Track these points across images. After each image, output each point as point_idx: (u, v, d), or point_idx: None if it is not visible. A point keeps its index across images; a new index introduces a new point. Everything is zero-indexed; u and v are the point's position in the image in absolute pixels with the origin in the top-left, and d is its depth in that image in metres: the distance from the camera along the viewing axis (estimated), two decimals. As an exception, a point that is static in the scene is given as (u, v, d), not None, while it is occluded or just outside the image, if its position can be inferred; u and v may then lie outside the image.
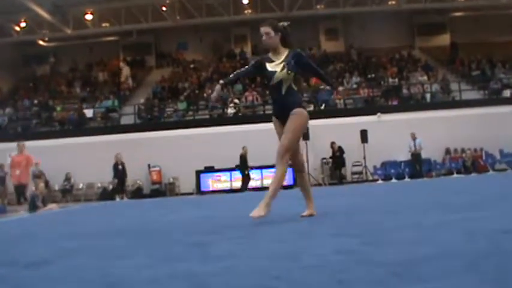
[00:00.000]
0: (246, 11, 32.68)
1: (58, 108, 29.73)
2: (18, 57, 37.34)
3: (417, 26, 35.07)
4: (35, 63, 37.58)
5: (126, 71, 33.60)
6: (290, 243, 3.99)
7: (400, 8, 31.57)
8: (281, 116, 6.07)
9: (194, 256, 3.57)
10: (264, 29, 6.14)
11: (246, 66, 6.72)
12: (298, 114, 5.95)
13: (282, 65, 6.05)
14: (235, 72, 6.61)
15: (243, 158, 22.87)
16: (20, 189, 17.30)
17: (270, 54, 6.26)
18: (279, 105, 6.14)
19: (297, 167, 6.48)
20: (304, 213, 6.30)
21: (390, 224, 4.79)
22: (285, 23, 6.28)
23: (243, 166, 22.91)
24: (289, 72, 5.99)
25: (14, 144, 24.11)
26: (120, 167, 23.43)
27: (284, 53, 6.14)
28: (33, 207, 17.00)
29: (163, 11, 32.20)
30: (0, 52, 34.28)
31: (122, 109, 29.38)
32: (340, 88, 27.24)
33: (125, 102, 30.17)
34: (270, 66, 6.12)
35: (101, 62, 36.95)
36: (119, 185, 23.55)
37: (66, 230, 7.30)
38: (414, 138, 23.09)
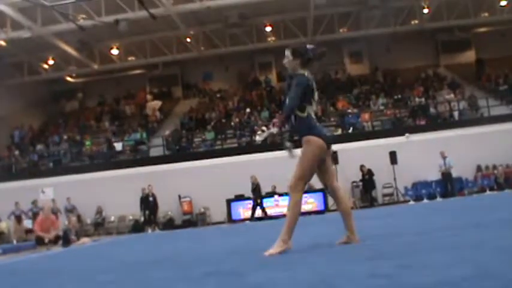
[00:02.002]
0: (269, 39, 32.85)
1: (87, 143, 30.05)
2: (47, 94, 37.95)
3: (441, 43, 34.91)
4: (63, 99, 38.17)
5: (154, 104, 33.87)
6: (325, 268, 3.98)
7: (423, 26, 31.50)
8: (300, 144, 6.01)
9: (233, 286, 3.58)
10: (286, 52, 6.14)
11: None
12: (305, 142, 5.85)
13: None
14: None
15: (257, 186, 23.07)
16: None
17: None
18: (295, 134, 6.15)
19: (331, 193, 6.38)
20: (342, 240, 6.04)
21: (425, 246, 4.75)
22: (310, 46, 6.24)
23: (256, 195, 23.11)
24: None
25: (46, 180, 24.60)
26: (151, 198, 23.55)
27: None
28: (66, 242, 17.15)
29: (187, 42, 32.52)
30: (30, 90, 34.93)
31: (150, 141, 29.58)
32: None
33: (153, 134, 30.39)
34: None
35: (128, 95, 37.36)
36: (150, 217, 23.65)
37: (101, 264, 7.35)
38: (444, 157, 22.85)
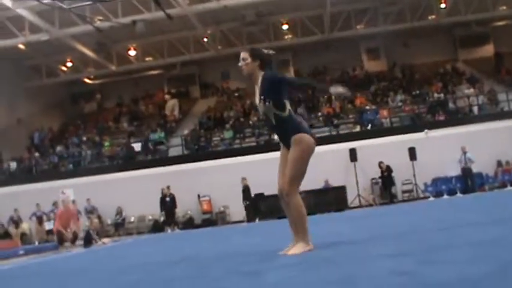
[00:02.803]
0: (286, 37, 32.82)
1: (106, 144, 30.21)
2: (66, 96, 38.25)
3: (459, 38, 34.64)
4: (82, 100, 38.44)
5: (172, 103, 33.98)
6: (344, 266, 3.97)
7: (441, 21, 31.28)
8: (285, 144, 5.66)
9: (252, 285, 3.59)
10: (242, 55, 5.80)
11: None
12: (296, 142, 5.47)
13: (259, 96, 5.70)
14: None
15: (246, 188, 23.38)
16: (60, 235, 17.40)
17: (253, 82, 5.87)
18: (277, 135, 5.85)
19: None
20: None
21: (445, 242, 4.73)
22: (270, 51, 5.93)
23: (246, 197, 23.41)
24: (267, 103, 5.57)
25: (65, 182, 24.78)
26: (167, 199, 23.65)
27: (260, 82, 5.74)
28: (88, 242, 17.25)
29: (204, 42, 32.58)
30: (49, 92, 35.22)
31: (169, 141, 29.67)
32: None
33: (171, 134, 30.48)
34: (256, 98, 5.82)
35: (146, 96, 37.52)
36: (169, 217, 23.75)
37: (122, 264, 7.38)
38: (465, 152, 22.70)
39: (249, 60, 5.72)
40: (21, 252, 17.37)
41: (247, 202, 23.51)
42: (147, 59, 34.16)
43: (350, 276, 3.38)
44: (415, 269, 3.29)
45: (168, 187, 23.78)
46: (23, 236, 24.63)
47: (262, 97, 5.61)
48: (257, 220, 22.93)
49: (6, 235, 24.31)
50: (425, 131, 24.69)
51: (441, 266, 3.34)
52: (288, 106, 5.59)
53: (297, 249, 5.37)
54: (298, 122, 5.74)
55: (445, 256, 3.80)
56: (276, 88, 5.58)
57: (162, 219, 24.49)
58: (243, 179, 23.41)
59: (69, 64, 33.88)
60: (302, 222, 5.51)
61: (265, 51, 5.91)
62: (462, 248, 4.17)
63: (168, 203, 23.62)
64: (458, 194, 22.99)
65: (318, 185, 23.15)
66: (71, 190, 25.12)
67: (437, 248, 4.35)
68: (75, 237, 17.39)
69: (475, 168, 23.08)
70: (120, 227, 25.69)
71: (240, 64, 5.80)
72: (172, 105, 33.83)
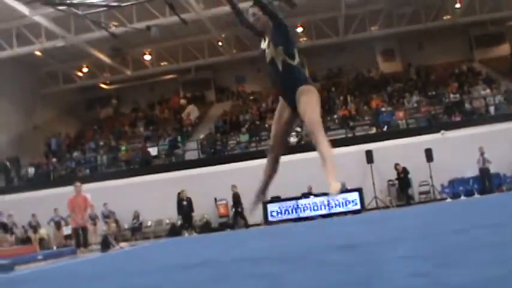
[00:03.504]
0: (301, 39, 32.85)
1: (123, 149, 30.35)
2: (82, 102, 38.54)
3: (475, 38, 34.48)
4: (98, 106, 38.69)
5: (190, 109, 34.08)
6: (362, 268, 3.96)
7: (456, 21, 31.15)
8: (287, 95, 5.58)
9: (270, 287, 3.59)
10: (251, 10, 5.72)
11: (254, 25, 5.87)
12: (307, 91, 5.43)
13: (268, 42, 5.64)
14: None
15: (235, 195, 23.71)
16: (82, 232, 17.22)
17: (265, 32, 5.77)
18: (281, 84, 5.63)
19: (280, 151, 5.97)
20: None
21: (463, 244, 4.71)
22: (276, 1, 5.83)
23: (235, 205, 23.81)
24: (276, 46, 5.49)
25: (83, 187, 24.88)
26: (184, 203, 23.72)
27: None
28: (106, 247, 17.33)
29: (219, 46, 32.67)
30: (66, 98, 35.52)
31: (185, 145, 29.76)
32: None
33: (187, 138, 30.57)
34: (262, 44, 5.77)
35: (162, 101, 37.68)
36: (186, 221, 23.81)
37: (140, 268, 7.41)
38: (482, 153, 22.56)
39: (260, 13, 5.61)
40: (39, 257, 17.48)
41: (234, 209, 23.94)
42: (162, 63, 34.34)
43: (367, 278, 3.38)
44: (432, 271, 3.28)
45: (183, 191, 23.83)
46: (41, 241, 24.79)
47: (272, 42, 5.53)
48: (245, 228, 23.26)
49: (27, 240, 24.50)
50: (442, 131, 24.59)
51: (459, 268, 3.33)
52: (297, 57, 5.51)
53: (336, 187, 5.24)
54: (307, 74, 5.69)
55: (463, 258, 3.78)
56: (285, 35, 5.51)
57: (179, 223, 24.54)
58: (233, 186, 23.74)
59: (85, 70, 34.19)
60: (333, 159, 5.37)
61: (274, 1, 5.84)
62: (480, 250, 4.15)
63: (185, 207, 23.68)
64: (476, 195, 22.85)
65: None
66: (88, 195, 25.23)
67: (455, 250, 4.34)
68: (84, 229, 17.30)
69: (492, 169, 22.93)
70: (137, 231, 25.77)
71: (252, 20, 5.73)
72: (189, 110, 33.92)
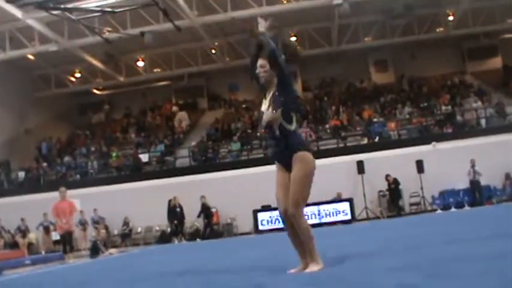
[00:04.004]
0: (294, 49, 32.88)
1: (114, 155, 30.25)
2: (74, 107, 38.40)
3: (467, 50, 34.55)
4: (90, 111, 38.56)
5: (181, 116, 34.05)
6: (352, 279, 3.96)
7: (449, 34, 31.26)
8: (282, 161, 5.41)
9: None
10: (260, 62, 5.50)
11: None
12: (300, 160, 5.24)
13: (268, 103, 5.40)
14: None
15: (203, 206, 23.94)
16: (68, 237, 16.59)
17: (268, 90, 5.54)
18: (277, 148, 5.44)
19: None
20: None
21: (453, 256, 4.71)
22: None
23: (204, 215, 23.97)
24: (274, 110, 5.29)
25: (73, 192, 24.78)
26: (178, 209, 23.67)
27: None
28: (95, 253, 17.27)
29: (212, 53, 32.67)
30: (58, 102, 35.40)
31: (176, 152, 29.69)
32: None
33: (179, 145, 30.51)
34: (263, 105, 5.52)
35: (154, 107, 37.61)
36: (177, 228, 23.74)
37: (128, 275, 7.38)
38: (473, 165, 22.64)
39: (268, 67, 5.44)
40: (27, 262, 17.41)
41: (205, 220, 24.06)
42: (155, 70, 34.29)
43: (356, 289, 3.37)
44: (421, 283, 3.28)
45: (175, 198, 23.80)
46: (30, 245, 24.67)
47: (272, 103, 5.35)
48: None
49: (14, 245, 24.37)
50: (433, 143, 24.64)
51: (448, 280, 3.33)
52: (295, 121, 5.39)
53: (312, 269, 5.12)
54: (303, 138, 5.56)
55: (451, 270, 3.78)
56: (287, 93, 5.37)
57: (169, 230, 24.48)
58: (202, 197, 23.88)
59: (77, 75, 34.10)
60: (311, 244, 5.23)
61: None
62: (469, 262, 4.15)
63: (177, 214, 23.65)
64: (466, 207, 22.91)
65: (325, 197, 23.08)
66: (78, 200, 25.14)
67: (444, 261, 4.34)
68: (69, 234, 16.64)
69: (483, 181, 23.01)
70: (126, 237, 25.66)
71: (257, 71, 5.53)
72: (180, 117, 33.89)
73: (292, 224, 5.33)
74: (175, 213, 23.69)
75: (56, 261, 16.52)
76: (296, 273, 5.14)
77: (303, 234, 5.22)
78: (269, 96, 5.46)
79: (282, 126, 5.31)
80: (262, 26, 5.53)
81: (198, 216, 24.15)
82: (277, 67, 5.33)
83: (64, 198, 16.43)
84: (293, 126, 5.34)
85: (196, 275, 6.00)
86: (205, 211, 24.03)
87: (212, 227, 24.32)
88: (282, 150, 5.37)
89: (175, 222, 23.80)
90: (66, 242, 16.57)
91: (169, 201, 23.84)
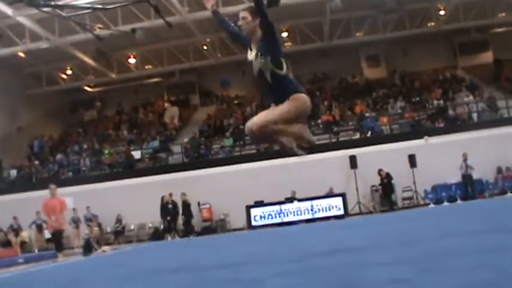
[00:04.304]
0: (285, 44, 32.86)
1: (106, 152, 30.20)
2: (66, 104, 38.30)
3: (459, 45, 34.67)
4: (82, 108, 38.48)
5: (173, 111, 34.03)
6: (344, 274, 3.95)
7: (440, 28, 31.34)
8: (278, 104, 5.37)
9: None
10: (241, 14, 5.53)
11: (241, 34, 5.77)
12: (296, 98, 5.26)
13: (256, 52, 5.43)
14: (226, 19, 6.00)
15: (185, 204, 23.89)
16: (58, 235, 16.31)
17: (252, 41, 5.57)
18: (272, 95, 5.45)
19: None
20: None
21: (445, 250, 4.71)
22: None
23: (184, 212, 23.91)
24: (263, 57, 5.32)
25: (65, 190, 24.73)
26: (170, 206, 23.65)
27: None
28: (88, 250, 17.22)
29: (204, 49, 32.63)
30: (49, 100, 35.28)
31: (171, 148, 29.63)
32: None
33: (171, 142, 30.47)
34: (249, 55, 5.55)
35: (146, 104, 37.53)
36: (171, 224, 23.72)
37: (122, 272, 7.36)
38: (465, 159, 22.70)
39: (249, 18, 5.47)
40: (20, 260, 17.36)
41: (184, 218, 23.99)
42: (146, 67, 34.24)
43: (349, 284, 3.36)
44: (414, 277, 3.27)
45: (171, 194, 23.77)
46: (23, 244, 24.60)
47: (259, 52, 5.37)
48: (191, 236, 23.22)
49: (7, 243, 24.29)
50: (425, 137, 24.69)
51: (440, 274, 3.32)
52: (285, 65, 5.38)
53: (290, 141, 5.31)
54: (295, 82, 5.55)
55: (444, 264, 3.78)
56: (273, 41, 5.38)
57: (162, 227, 24.45)
58: (183, 194, 23.85)
59: (69, 72, 34.03)
60: (289, 132, 5.34)
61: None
62: (462, 256, 4.15)
63: (171, 210, 23.62)
64: (459, 201, 22.98)
65: (318, 192, 23.12)
66: (71, 198, 25.09)
67: (436, 256, 4.34)
68: (60, 232, 16.31)
69: (475, 175, 23.07)
70: (120, 234, 25.64)
71: (239, 23, 5.59)
72: (172, 113, 33.86)
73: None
74: (168, 210, 23.66)
75: (49, 260, 16.47)
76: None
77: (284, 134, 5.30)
78: (254, 46, 5.49)
79: (273, 72, 5.33)
80: None
81: (182, 214, 24.07)
82: (261, 14, 5.34)
83: (54, 196, 16.18)
84: (284, 71, 5.36)
85: (189, 271, 5.98)
86: (185, 209, 23.98)
87: (191, 225, 24.21)
88: (277, 95, 5.38)
89: (168, 219, 23.76)
90: (58, 241, 16.38)
91: (162, 198, 23.80)
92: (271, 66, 5.31)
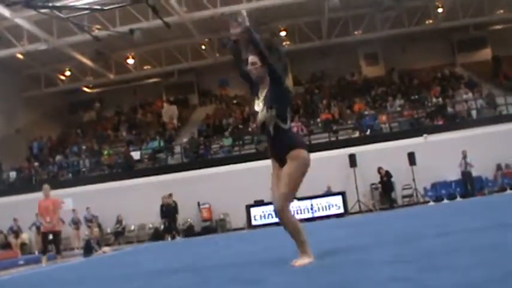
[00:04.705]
0: (284, 43, 32.86)
1: (106, 152, 30.20)
2: (64, 105, 38.33)
3: (457, 42, 34.68)
4: (81, 109, 38.48)
5: (171, 110, 34.03)
6: (345, 273, 3.96)
7: (438, 26, 31.33)
8: (278, 158, 5.35)
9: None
10: (251, 59, 5.43)
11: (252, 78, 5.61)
12: (294, 157, 5.18)
13: (262, 102, 5.32)
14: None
15: (168, 206, 23.67)
16: (52, 237, 15.48)
17: (260, 88, 5.48)
18: (272, 147, 5.40)
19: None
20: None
21: (446, 248, 4.71)
22: (281, 47, 5.58)
23: (167, 215, 23.63)
24: (269, 109, 5.21)
25: (65, 191, 24.75)
26: (169, 206, 23.65)
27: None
28: (88, 251, 17.22)
29: (202, 49, 32.63)
30: (48, 101, 35.27)
31: (173, 148, 29.62)
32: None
33: (170, 142, 30.46)
34: (256, 104, 5.42)
35: (145, 104, 37.53)
36: (171, 225, 23.71)
37: (122, 273, 7.36)
38: (464, 156, 22.69)
39: (258, 64, 5.36)
40: (21, 262, 17.37)
41: (166, 221, 23.79)
42: (145, 67, 34.23)
43: (350, 283, 3.37)
44: (415, 276, 3.28)
45: (171, 195, 23.77)
46: (23, 245, 24.61)
47: (266, 103, 5.26)
48: (178, 238, 23.24)
49: (7, 245, 24.30)
50: (425, 135, 24.70)
51: (441, 272, 3.33)
52: (289, 119, 5.34)
53: (302, 261, 5.08)
54: (296, 135, 5.55)
55: (445, 262, 3.78)
56: (280, 91, 5.29)
57: (162, 227, 24.45)
58: (164, 197, 23.69)
59: (67, 73, 34.01)
60: (300, 236, 5.24)
61: (281, 47, 5.59)
62: (462, 253, 4.15)
63: (171, 210, 23.61)
64: (458, 199, 22.98)
65: (318, 191, 23.12)
66: (71, 199, 25.10)
67: (437, 253, 4.34)
68: (55, 234, 15.55)
69: (474, 172, 23.07)
70: (120, 235, 25.63)
71: (249, 68, 5.48)
72: (171, 112, 33.84)
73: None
74: (168, 210, 23.65)
75: (50, 261, 16.45)
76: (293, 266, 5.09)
77: (291, 228, 5.22)
78: (262, 94, 5.39)
79: (276, 125, 5.25)
80: (244, 19, 5.40)
81: (161, 217, 24.03)
82: (266, 64, 5.25)
83: (48, 196, 15.66)
84: (287, 125, 5.29)
85: (190, 272, 5.99)
86: (167, 211, 23.83)
87: (175, 228, 24.05)
88: (277, 149, 5.33)
89: (167, 219, 23.73)
90: (50, 242, 15.73)
91: (162, 198, 23.81)
92: (276, 119, 5.24)
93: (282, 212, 5.20)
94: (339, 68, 34.71)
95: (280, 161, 5.30)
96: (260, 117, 5.33)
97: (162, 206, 23.77)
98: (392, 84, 32.66)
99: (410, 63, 33.89)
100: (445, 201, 23.04)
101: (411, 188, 23.92)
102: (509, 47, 32.10)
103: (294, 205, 23.01)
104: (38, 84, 33.92)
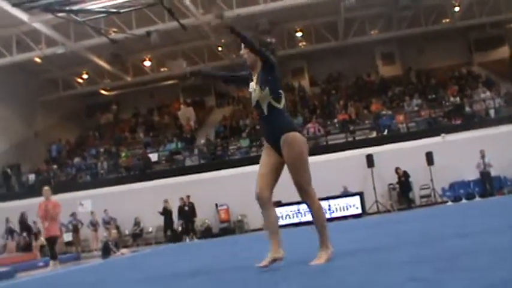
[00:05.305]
0: (300, 44, 32.82)
1: (123, 155, 30.34)
2: (82, 108, 38.57)
3: (474, 41, 34.46)
4: (98, 112, 38.71)
5: (188, 112, 34.09)
6: (363, 273, 3.95)
7: (455, 25, 31.16)
8: (271, 141, 5.38)
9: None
10: (242, 52, 5.66)
11: (238, 74, 6.08)
12: (291, 142, 5.21)
13: (255, 82, 5.48)
14: (223, 73, 6.50)
15: (167, 210, 23.98)
16: (50, 242, 15.01)
17: (253, 73, 5.63)
18: (266, 128, 5.47)
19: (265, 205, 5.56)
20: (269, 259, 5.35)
21: (464, 249, 4.69)
22: (271, 40, 5.68)
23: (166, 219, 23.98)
24: (262, 88, 5.34)
25: (83, 193, 24.93)
26: (186, 208, 23.75)
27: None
28: (106, 253, 17.32)
29: (218, 51, 32.68)
30: (66, 104, 35.51)
31: (186, 151, 29.71)
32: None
33: (190, 144, 30.53)
34: (250, 86, 5.56)
35: (162, 106, 37.67)
36: (188, 226, 23.79)
37: (141, 275, 7.39)
38: (483, 156, 22.53)
39: (248, 51, 5.56)
40: (40, 264, 17.49)
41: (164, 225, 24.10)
42: (162, 69, 34.32)
43: (368, 283, 3.36)
44: (433, 277, 3.27)
45: (188, 196, 23.87)
46: (42, 247, 24.75)
47: (258, 83, 5.42)
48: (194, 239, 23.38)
49: (27, 247, 24.47)
50: (442, 135, 24.57)
51: (460, 273, 3.32)
52: (283, 100, 5.41)
53: (319, 260, 5.15)
54: (291, 118, 5.58)
55: (464, 263, 3.77)
56: (272, 74, 5.41)
57: (179, 229, 24.52)
58: (165, 201, 24.02)
59: (85, 76, 34.23)
60: (325, 226, 5.36)
61: (270, 39, 5.74)
62: (482, 254, 4.13)
63: (188, 212, 23.69)
64: (477, 198, 22.83)
65: (334, 192, 23.07)
66: (89, 201, 25.28)
67: (456, 254, 4.32)
68: (54, 238, 14.98)
69: (493, 172, 22.90)
70: (138, 237, 25.73)
71: (241, 52, 5.68)
72: (188, 114, 33.87)
73: (267, 208, 5.52)
74: (185, 212, 23.73)
75: (69, 263, 16.57)
76: (265, 267, 5.19)
77: (318, 213, 5.40)
78: (255, 77, 5.53)
79: (270, 104, 5.35)
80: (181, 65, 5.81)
81: (178, 219, 24.32)
82: (255, 52, 5.42)
83: (48, 198, 14.97)
84: (281, 105, 5.37)
85: (208, 274, 6.00)
86: (166, 215, 24.10)
87: (173, 231, 24.29)
88: (270, 130, 5.39)
89: (185, 221, 23.84)
90: (50, 248, 15.14)
91: (180, 199, 23.91)
92: (270, 98, 5.34)
93: (309, 196, 5.37)
94: (355, 68, 34.60)
95: (273, 144, 5.37)
96: (254, 95, 5.46)
97: (179, 207, 23.88)
98: (409, 84, 32.52)
99: (427, 63, 33.73)
100: (464, 201, 22.89)
101: (429, 188, 23.80)
102: (527, 45, 31.87)
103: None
104: (55, 87, 34.19)
